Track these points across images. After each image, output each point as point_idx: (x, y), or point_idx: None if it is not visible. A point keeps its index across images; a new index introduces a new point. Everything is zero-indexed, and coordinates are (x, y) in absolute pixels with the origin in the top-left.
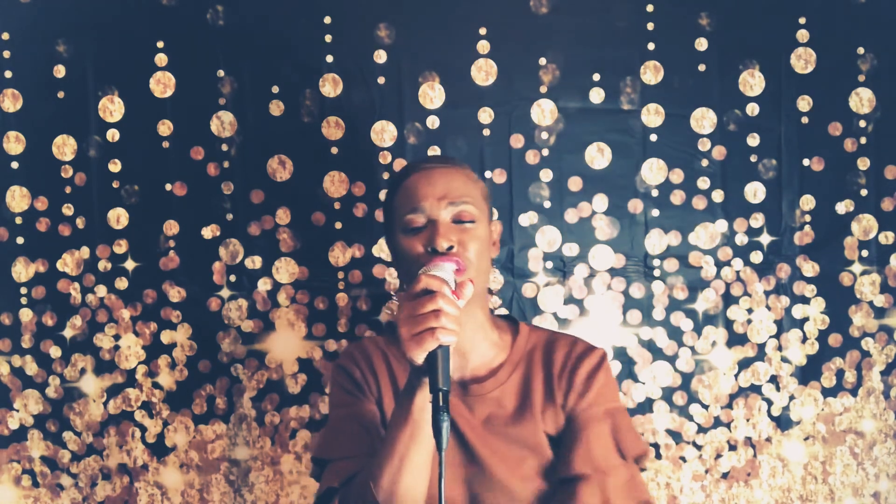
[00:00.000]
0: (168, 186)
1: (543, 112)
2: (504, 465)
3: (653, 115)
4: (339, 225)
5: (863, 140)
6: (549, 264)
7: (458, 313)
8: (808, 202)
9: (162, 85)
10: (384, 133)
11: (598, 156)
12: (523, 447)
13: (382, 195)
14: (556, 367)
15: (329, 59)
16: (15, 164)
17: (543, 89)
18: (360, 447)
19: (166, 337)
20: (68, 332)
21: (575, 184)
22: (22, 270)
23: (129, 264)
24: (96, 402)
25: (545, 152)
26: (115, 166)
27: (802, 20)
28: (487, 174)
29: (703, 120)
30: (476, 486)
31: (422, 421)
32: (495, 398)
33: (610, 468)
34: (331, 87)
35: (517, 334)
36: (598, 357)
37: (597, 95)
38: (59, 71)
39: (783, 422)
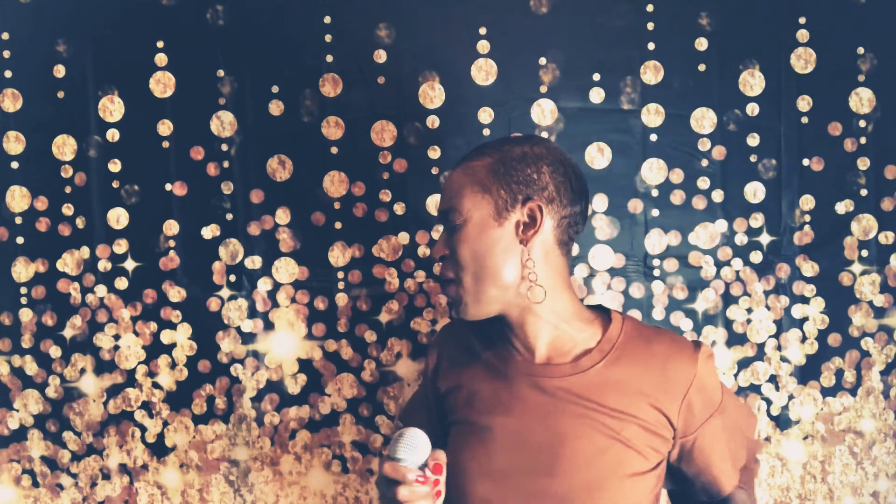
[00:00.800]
0: (168, 186)
1: (543, 112)
2: (563, 465)
3: (653, 115)
4: (339, 225)
5: (863, 140)
6: None
7: (430, 490)
8: (807, 202)
9: (162, 85)
10: (384, 133)
11: (598, 156)
12: (585, 449)
13: (383, 196)
14: (658, 374)
15: (329, 59)
16: (15, 164)
17: (543, 89)
18: (410, 423)
19: (166, 337)
20: (68, 332)
21: None
22: (22, 270)
23: (129, 264)
24: (96, 402)
25: None
26: (115, 166)
27: (802, 20)
28: None
29: (703, 120)
30: (527, 485)
31: None
32: (569, 386)
33: (738, 468)
34: (331, 87)
35: (609, 324)
36: (704, 360)
37: (597, 95)
38: (59, 71)
39: (782, 421)
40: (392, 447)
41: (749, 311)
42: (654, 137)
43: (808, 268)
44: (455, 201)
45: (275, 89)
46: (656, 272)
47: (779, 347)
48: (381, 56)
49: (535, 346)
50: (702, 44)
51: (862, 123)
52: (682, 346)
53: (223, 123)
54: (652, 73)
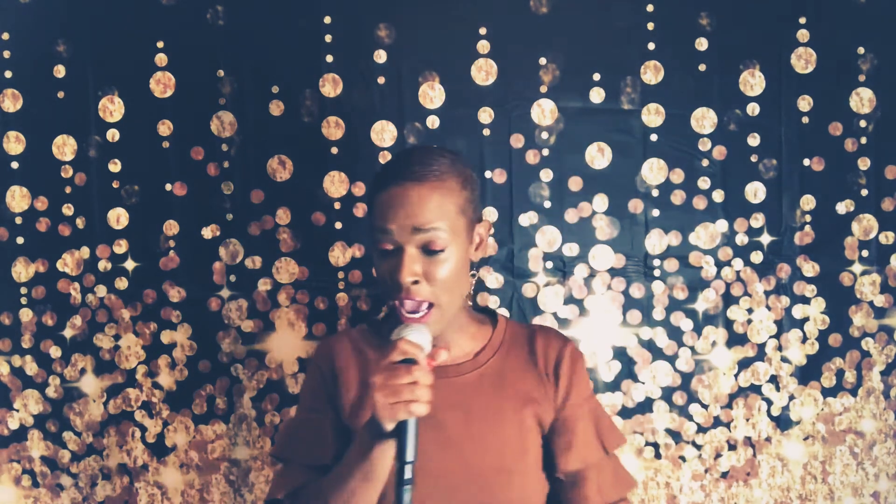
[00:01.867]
0: (168, 186)
1: (543, 112)
2: (483, 450)
3: (653, 115)
4: (339, 225)
5: (863, 140)
6: (549, 264)
7: (431, 382)
8: (808, 202)
9: (162, 85)
10: (384, 133)
11: (599, 156)
12: (501, 431)
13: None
14: (539, 359)
15: (329, 59)
16: (15, 164)
17: (543, 89)
18: (313, 457)
19: (166, 337)
20: (68, 332)
21: (575, 184)
22: (22, 270)
23: (129, 264)
24: (96, 402)
25: (545, 152)
26: (115, 166)
27: (802, 20)
28: (487, 174)
29: (704, 120)
30: (450, 478)
31: (377, 470)
32: (473, 381)
33: (598, 464)
34: (331, 87)
35: (496, 326)
36: (576, 351)
37: (597, 95)
38: (59, 71)
39: (783, 421)
40: (400, 332)
41: (750, 311)
42: (654, 137)
43: (809, 268)
44: (437, 223)
45: (275, 89)
46: (656, 272)
47: (779, 348)
48: (381, 56)
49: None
50: (702, 44)
51: (862, 123)
52: (554, 333)
53: (223, 123)
54: (652, 73)
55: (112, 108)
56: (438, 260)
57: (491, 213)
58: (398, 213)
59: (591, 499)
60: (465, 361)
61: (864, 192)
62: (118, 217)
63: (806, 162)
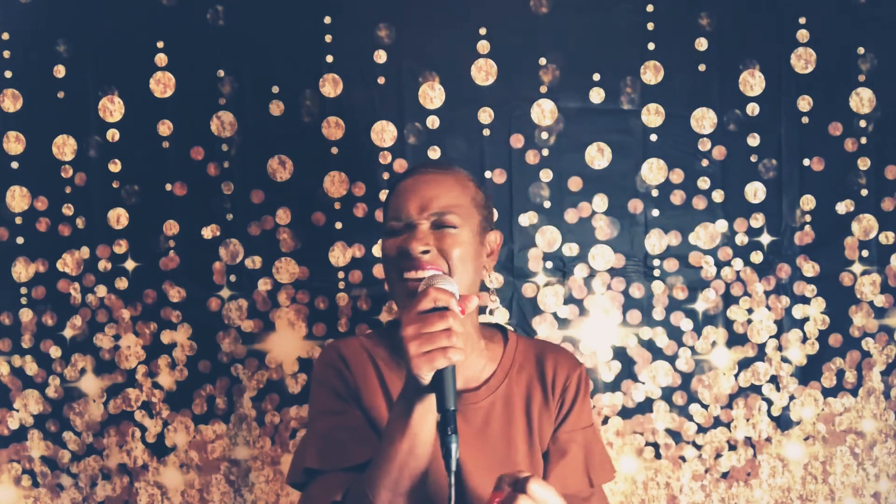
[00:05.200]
0: (168, 186)
1: (543, 112)
2: (488, 478)
3: (653, 115)
4: (339, 225)
5: (863, 140)
6: (549, 264)
7: (463, 328)
8: (808, 202)
9: (162, 85)
10: (384, 133)
11: (598, 156)
12: (513, 457)
13: (383, 196)
14: (548, 380)
15: (329, 59)
16: (15, 164)
17: (543, 89)
18: (354, 458)
19: (166, 337)
20: (68, 332)
21: (575, 184)
22: (22, 270)
23: (129, 264)
24: (96, 402)
25: (545, 152)
26: (115, 166)
27: (802, 20)
28: (487, 174)
29: (703, 120)
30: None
31: (421, 434)
32: (486, 407)
33: (583, 496)
34: (331, 87)
35: (506, 343)
36: (585, 377)
37: (597, 95)
38: (59, 71)
39: (783, 422)
40: (429, 282)
41: (749, 311)
42: (654, 137)
43: (809, 268)
44: (453, 203)
45: (275, 89)
46: (656, 272)
47: (779, 348)
48: (381, 56)
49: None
50: (702, 44)
51: (862, 123)
52: (565, 355)
53: (223, 123)
54: (652, 73)
55: (112, 108)
56: (450, 234)
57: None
58: (413, 198)
59: None
60: (479, 386)
61: (864, 192)
62: (118, 217)
63: (806, 162)
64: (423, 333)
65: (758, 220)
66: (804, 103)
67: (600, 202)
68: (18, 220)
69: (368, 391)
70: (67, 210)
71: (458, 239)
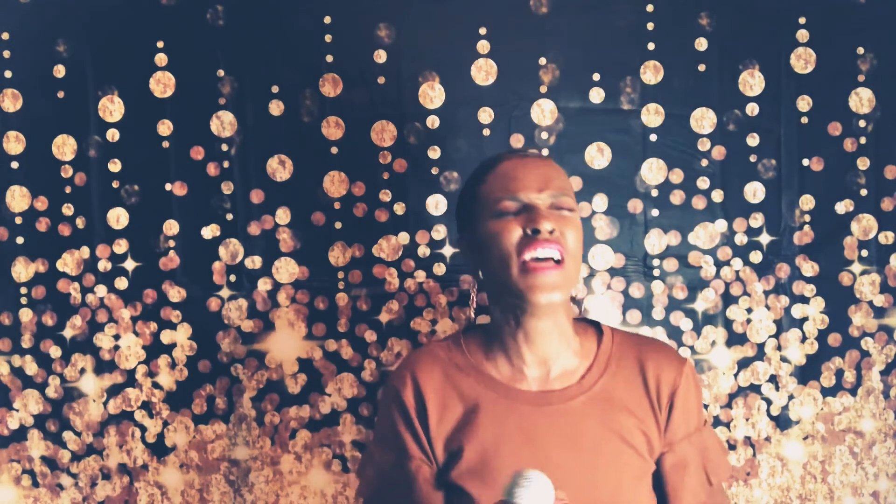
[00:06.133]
0: (168, 186)
1: (543, 112)
2: (594, 484)
3: (653, 115)
4: (339, 225)
5: (863, 140)
6: None
7: None
8: (807, 202)
9: (162, 85)
10: (384, 133)
11: (598, 156)
12: (614, 462)
13: (384, 196)
14: (650, 385)
15: (329, 59)
16: (15, 164)
17: (543, 89)
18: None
19: (166, 337)
20: (68, 332)
21: (575, 184)
22: (22, 270)
23: (129, 264)
24: (96, 402)
25: (545, 152)
26: (115, 166)
27: (802, 20)
28: None
29: (703, 120)
30: None
31: None
32: (580, 408)
33: (705, 500)
34: (331, 87)
35: (601, 339)
36: (693, 374)
37: (597, 95)
38: (59, 71)
39: (782, 421)
40: (514, 494)
41: (749, 311)
42: (653, 137)
43: (808, 268)
44: (566, 189)
45: (275, 89)
46: (656, 272)
47: (779, 347)
48: (381, 56)
49: (550, 361)
50: (702, 44)
51: (862, 123)
52: (666, 352)
53: (223, 123)
54: (652, 73)
55: (112, 108)
56: (569, 218)
57: None
58: (528, 177)
59: None
60: (570, 385)
61: (864, 192)
62: (118, 217)
63: (805, 162)
64: None
65: (757, 220)
66: (804, 103)
67: (600, 202)
68: (18, 220)
69: (438, 411)
70: (67, 210)
71: (574, 223)
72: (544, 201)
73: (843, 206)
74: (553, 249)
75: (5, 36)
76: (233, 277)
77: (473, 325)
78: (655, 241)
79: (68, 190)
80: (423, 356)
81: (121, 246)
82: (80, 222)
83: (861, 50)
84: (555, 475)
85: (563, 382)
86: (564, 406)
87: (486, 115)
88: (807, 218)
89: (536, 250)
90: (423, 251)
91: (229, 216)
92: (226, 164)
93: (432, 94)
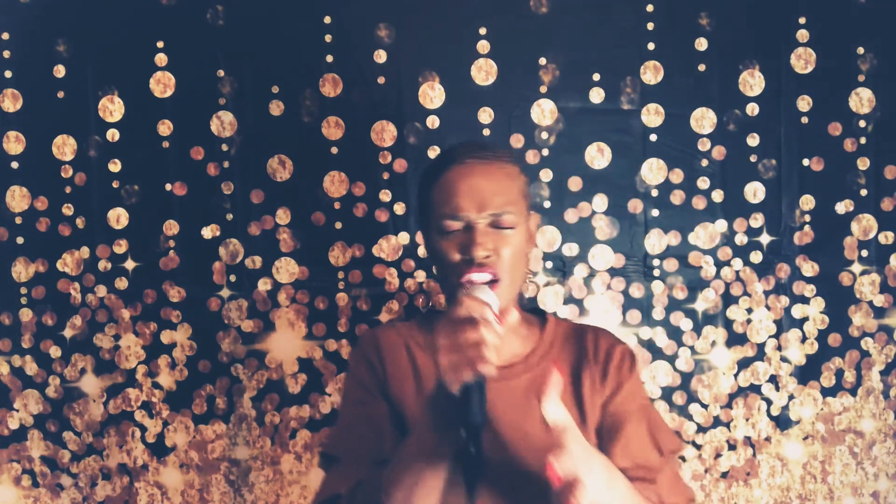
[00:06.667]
0: (168, 186)
1: (543, 112)
2: (540, 453)
3: (653, 115)
4: (339, 225)
5: (862, 140)
6: (549, 264)
7: (499, 342)
8: (807, 202)
9: (162, 85)
10: (384, 133)
11: (598, 156)
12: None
13: (384, 196)
14: (589, 353)
15: (329, 59)
16: (15, 164)
17: (543, 89)
18: (370, 452)
19: (166, 337)
20: (68, 332)
21: (575, 184)
22: (22, 270)
23: (129, 264)
24: (96, 402)
25: (545, 152)
26: (115, 166)
27: (802, 20)
28: None
29: (703, 120)
30: (509, 481)
31: (444, 445)
32: (525, 385)
33: (654, 466)
34: (331, 87)
35: (545, 326)
36: (630, 351)
37: (597, 95)
38: (59, 71)
39: (782, 421)
40: (468, 291)
41: (749, 311)
42: (654, 137)
43: (808, 268)
44: (507, 203)
45: (275, 89)
46: (656, 272)
47: (779, 347)
48: (381, 56)
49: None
50: (702, 44)
51: (862, 123)
52: (608, 333)
53: (223, 123)
54: (652, 73)
55: (112, 108)
56: (507, 236)
57: None
58: (469, 196)
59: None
60: (515, 363)
61: (864, 192)
62: (118, 217)
63: (805, 162)
64: (455, 343)
65: (757, 220)
66: (804, 103)
67: (600, 202)
68: (18, 220)
69: (398, 379)
70: (67, 210)
71: (513, 241)
72: (484, 220)
73: (843, 206)
74: (487, 274)
75: (5, 36)
76: (233, 277)
77: (434, 310)
78: (655, 241)
79: (68, 190)
80: (386, 330)
81: (121, 246)
82: (80, 222)
83: (861, 50)
84: (502, 442)
85: (509, 363)
86: (511, 382)
87: (486, 115)
88: (807, 218)
89: (473, 275)
90: (423, 251)
91: (229, 216)
92: (226, 164)
93: (432, 94)
